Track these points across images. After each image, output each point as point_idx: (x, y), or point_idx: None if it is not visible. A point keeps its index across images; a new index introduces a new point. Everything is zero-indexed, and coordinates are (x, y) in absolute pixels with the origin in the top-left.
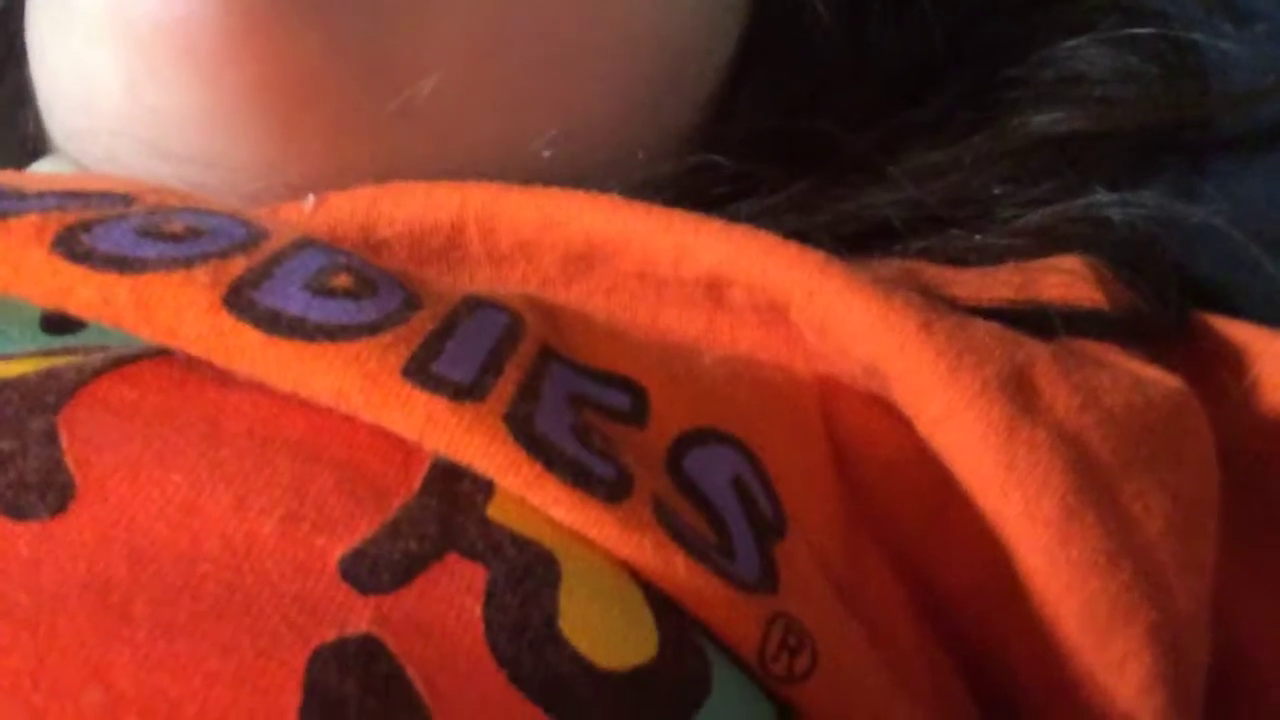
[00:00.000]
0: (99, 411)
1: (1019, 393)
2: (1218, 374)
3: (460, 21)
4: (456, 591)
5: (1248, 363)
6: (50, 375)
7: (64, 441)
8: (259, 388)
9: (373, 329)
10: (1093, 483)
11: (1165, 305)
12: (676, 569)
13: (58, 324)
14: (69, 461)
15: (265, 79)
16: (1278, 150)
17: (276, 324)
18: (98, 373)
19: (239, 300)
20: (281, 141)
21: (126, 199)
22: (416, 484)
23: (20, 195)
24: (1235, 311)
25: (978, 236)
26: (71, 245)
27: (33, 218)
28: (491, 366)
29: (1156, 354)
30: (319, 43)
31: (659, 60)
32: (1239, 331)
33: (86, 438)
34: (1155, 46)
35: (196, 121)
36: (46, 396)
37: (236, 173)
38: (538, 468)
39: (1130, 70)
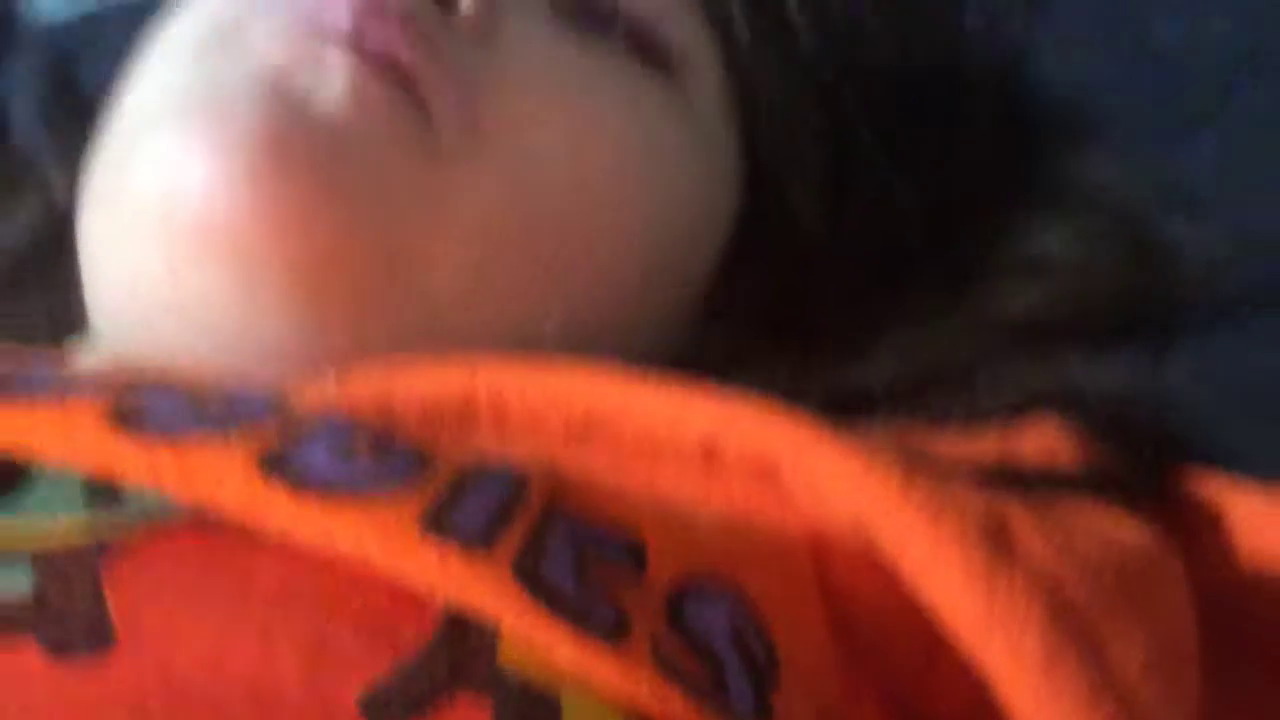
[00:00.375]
0: (140, 569)
1: (997, 541)
2: (1193, 527)
3: (469, 216)
4: None
5: (1223, 517)
6: (95, 541)
7: (107, 593)
8: (285, 545)
9: (391, 487)
10: (1072, 624)
11: (1142, 464)
12: (674, 708)
13: (99, 496)
14: (111, 611)
15: (293, 263)
16: (1236, 321)
17: (304, 485)
18: (140, 537)
19: (271, 466)
20: (307, 318)
21: (170, 380)
22: (429, 628)
23: (76, 379)
24: (1209, 468)
25: (958, 406)
26: (122, 421)
27: (87, 398)
28: (500, 519)
29: (1133, 510)
30: (341, 230)
31: (654, 252)
32: (1214, 487)
33: (127, 591)
34: (1118, 231)
35: (231, 301)
36: (91, 556)
37: (265, 349)
38: (543, 612)
39: (1094, 255)
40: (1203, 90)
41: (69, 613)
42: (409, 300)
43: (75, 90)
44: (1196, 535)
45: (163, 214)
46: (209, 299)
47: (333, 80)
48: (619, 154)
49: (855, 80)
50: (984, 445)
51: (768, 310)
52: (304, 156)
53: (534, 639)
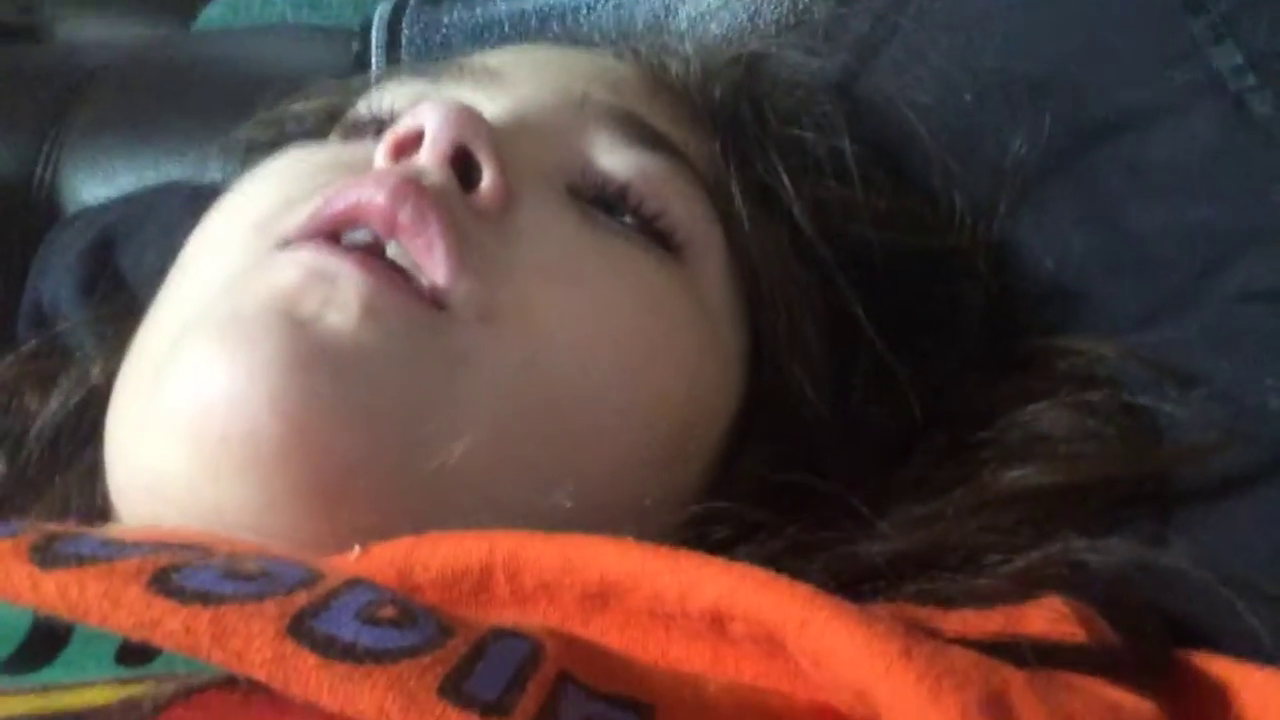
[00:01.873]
0: None
1: (997, 714)
2: (1202, 708)
3: (484, 402)
4: None
5: (1230, 697)
6: (130, 704)
7: None
8: (309, 711)
9: (413, 652)
10: None
11: (1145, 641)
12: None
13: (131, 657)
14: None
15: (315, 477)
16: (1231, 499)
17: (330, 649)
18: (171, 700)
19: (300, 628)
20: (328, 522)
21: (207, 549)
22: None
23: (122, 544)
24: (1210, 647)
25: (962, 580)
26: (165, 583)
27: (134, 561)
28: (515, 686)
29: (1138, 689)
30: (364, 443)
31: (662, 430)
32: (1219, 667)
33: None
34: (1109, 410)
35: (251, 511)
36: (129, 718)
37: (289, 543)
38: None
39: (1089, 430)
40: (1184, 271)
41: None
42: (425, 473)
43: (115, 272)
44: (1203, 717)
45: (190, 425)
46: (229, 507)
47: (344, 298)
48: (629, 335)
49: (850, 260)
50: (988, 622)
51: (772, 486)
52: (322, 377)
53: None
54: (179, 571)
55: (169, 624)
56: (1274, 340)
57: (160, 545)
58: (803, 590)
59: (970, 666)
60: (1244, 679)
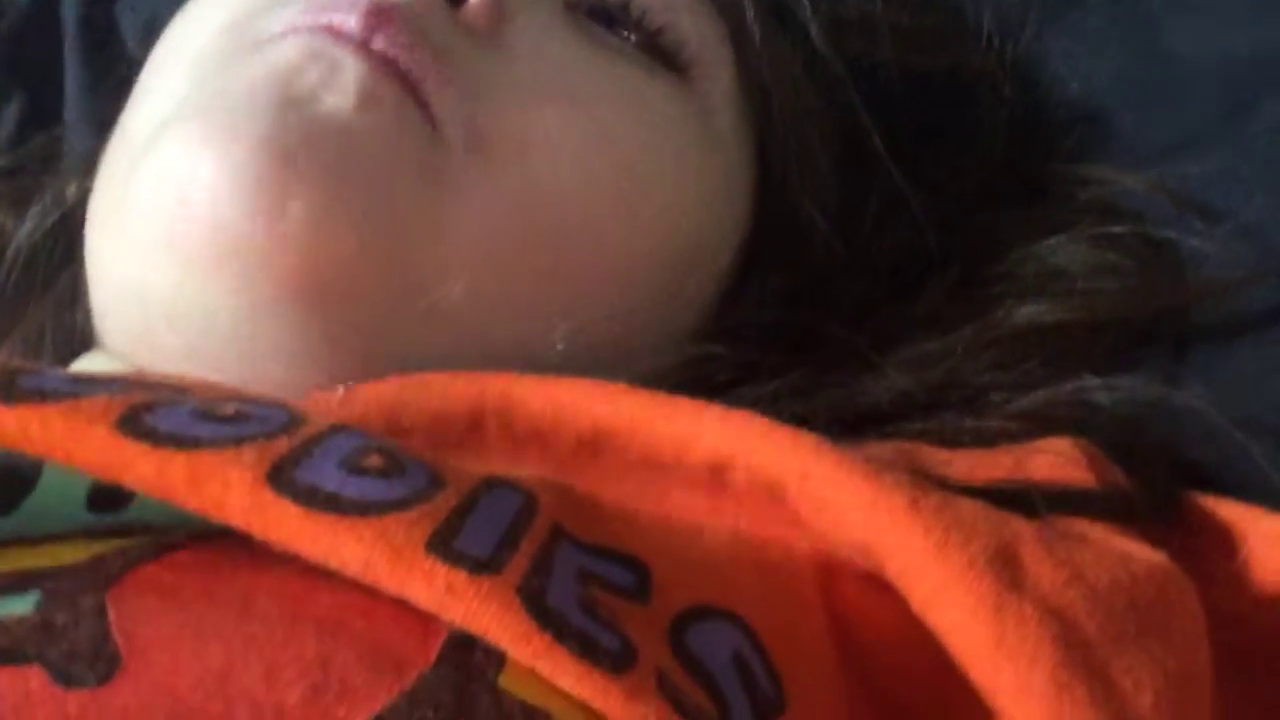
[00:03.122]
0: (143, 592)
1: (1005, 569)
2: (1209, 553)
3: (476, 226)
4: None
5: (1238, 542)
6: (100, 561)
7: (112, 617)
8: (289, 569)
9: (400, 505)
10: (1081, 656)
11: (1154, 485)
12: None
13: (104, 501)
14: (116, 635)
15: (300, 279)
16: (1251, 339)
17: (313, 499)
18: (142, 558)
19: (280, 477)
20: (314, 333)
21: (182, 389)
22: (433, 654)
23: (90, 381)
24: (1222, 491)
25: (969, 420)
26: (135, 424)
27: (102, 398)
28: (507, 542)
29: (1146, 533)
30: (350, 247)
31: (665, 262)
32: (1228, 512)
33: (131, 614)
34: (1131, 244)
35: (238, 312)
36: (96, 579)
37: (272, 360)
38: (547, 638)
39: (1109, 265)
40: (1218, 101)
41: (74, 638)
42: (415, 310)
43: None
44: (1209, 560)
45: (171, 224)
46: (215, 309)
47: (343, 81)
48: (630, 164)
49: (866, 82)
50: (995, 465)
51: (777, 323)
52: (312, 166)
53: (538, 667)
54: (151, 412)
55: (140, 467)
56: None
57: (131, 384)
58: (807, 439)
59: (978, 519)
60: (1253, 524)
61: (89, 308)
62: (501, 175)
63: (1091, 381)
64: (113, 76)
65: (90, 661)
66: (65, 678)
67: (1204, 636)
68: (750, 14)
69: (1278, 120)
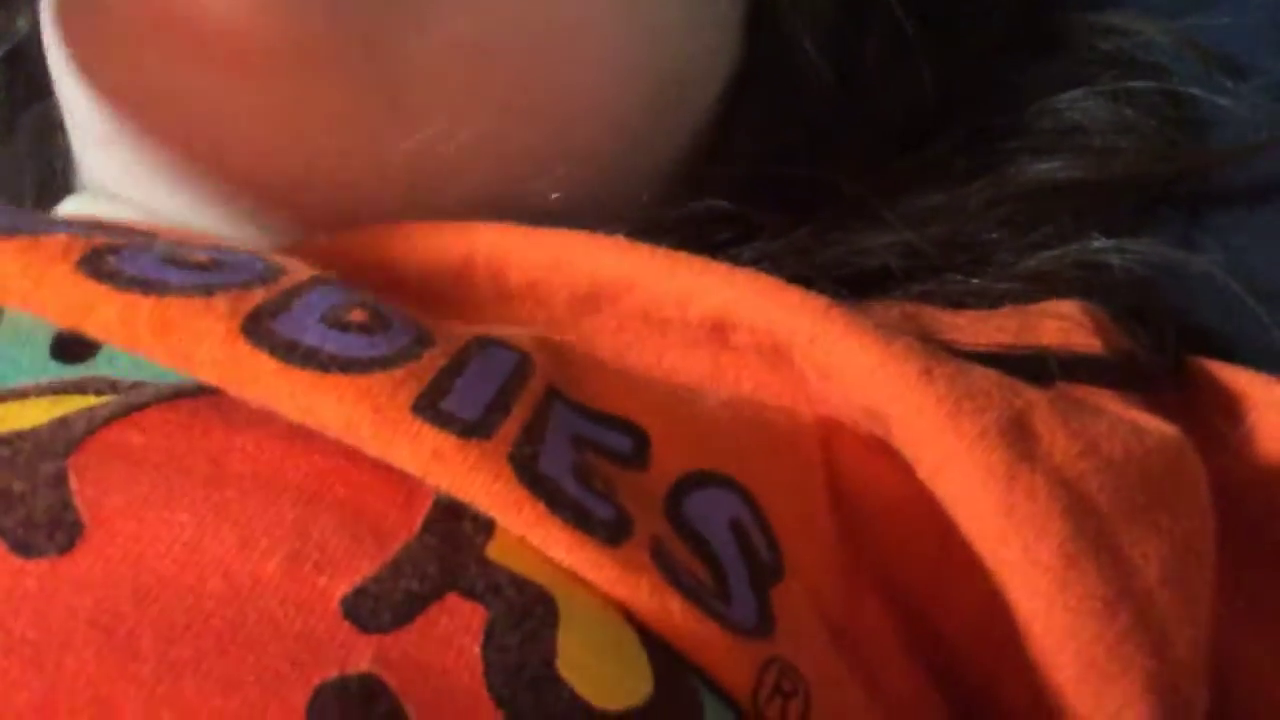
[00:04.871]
0: (108, 456)
1: (1018, 439)
2: (1214, 421)
3: (452, 22)
4: (456, 631)
5: (1244, 410)
6: (61, 424)
7: (73, 483)
8: (264, 430)
9: (385, 363)
10: (1091, 529)
11: (1163, 351)
12: (672, 613)
13: (68, 350)
14: (77, 502)
15: (275, 51)
16: (1273, 204)
17: (291, 353)
18: (107, 420)
19: (256, 329)
20: (293, 115)
21: (151, 234)
22: (418, 523)
23: (50, 221)
24: (1231, 360)
25: (975, 280)
26: (97, 265)
27: (62, 237)
28: (498, 405)
29: (1153, 400)
30: (321, 16)
31: (651, 89)
32: (1236, 378)
33: (95, 480)
34: (1153, 100)
35: (216, 102)
36: (57, 444)
37: (255, 143)
38: (540, 508)
39: (1128, 122)
40: None
41: (33, 505)
42: (407, 159)
43: None
44: (1216, 427)
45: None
46: (192, 102)
47: None
48: None
49: None
50: (1002, 328)
51: (777, 176)
52: None
53: (529, 537)
54: (115, 253)
55: (102, 312)
56: None
57: (94, 226)
58: (816, 301)
59: (992, 387)
60: (1262, 391)
61: (66, 145)
62: None
63: (1103, 243)
64: None
65: (50, 530)
66: (24, 547)
67: (1210, 509)
68: None
69: None
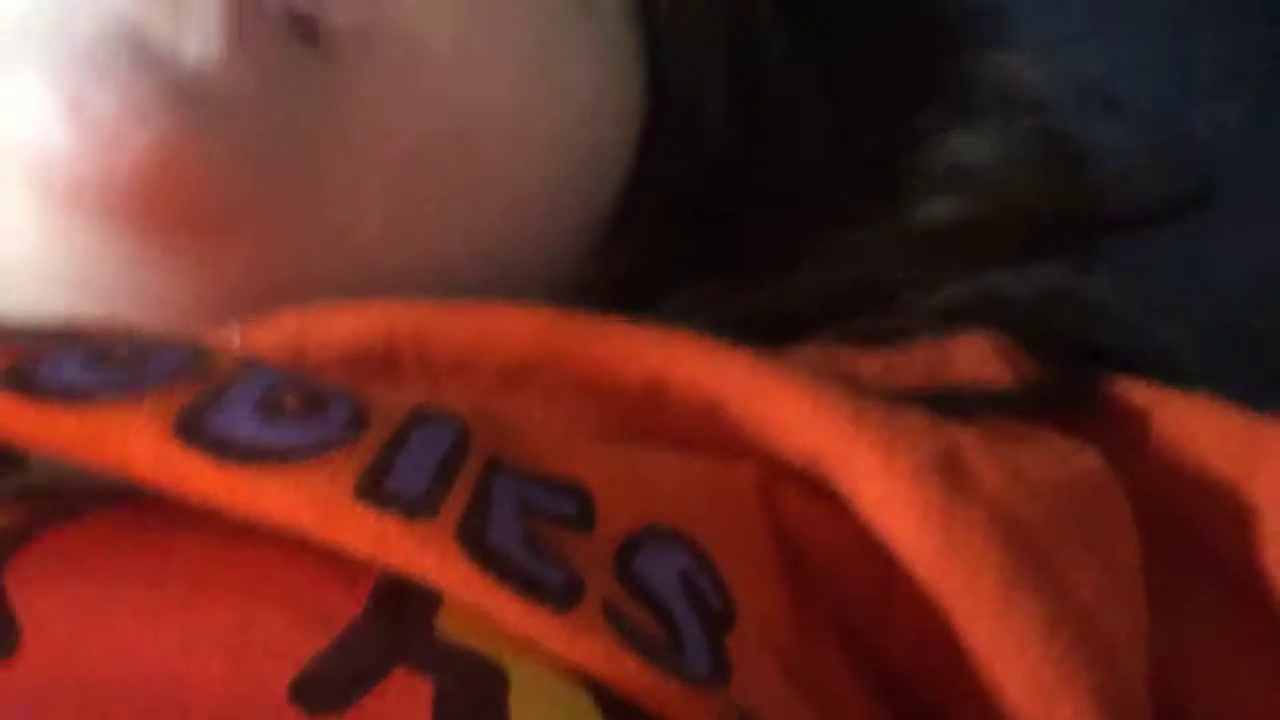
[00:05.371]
0: (46, 561)
1: (951, 474)
2: (1123, 436)
3: (366, 128)
4: (405, 706)
5: (1149, 422)
6: None
7: (10, 589)
8: (204, 525)
9: (324, 448)
10: (1028, 555)
11: (1069, 375)
12: (629, 673)
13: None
14: (15, 607)
15: (192, 217)
16: (1154, 229)
17: (227, 450)
18: (46, 524)
19: (189, 428)
20: (209, 271)
21: (71, 333)
22: (362, 600)
23: None
24: (1133, 376)
25: (886, 320)
26: (18, 379)
27: None
28: (441, 480)
29: (1066, 423)
30: (250, 178)
31: (562, 161)
32: (1139, 393)
33: (33, 586)
34: (1035, 136)
35: (118, 260)
36: None
37: (163, 304)
38: (490, 579)
39: (1014, 159)
40: None
41: None
42: (322, 248)
43: None
44: (1125, 445)
45: (32, 171)
46: (91, 259)
47: (203, 19)
48: (518, 49)
49: None
50: (915, 365)
51: (683, 228)
52: (191, 107)
53: (480, 608)
54: (36, 363)
55: (27, 424)
56: (1205, 64)
57: (12, 333)
58: (743, 354)
59: (921, 426)
60: (1165, 405)
61: None
62: (388, 62)
63: (1001, 275)
64: None
65: None
66: None
67: (1133, 527)
68: None
69: (1165, 7)
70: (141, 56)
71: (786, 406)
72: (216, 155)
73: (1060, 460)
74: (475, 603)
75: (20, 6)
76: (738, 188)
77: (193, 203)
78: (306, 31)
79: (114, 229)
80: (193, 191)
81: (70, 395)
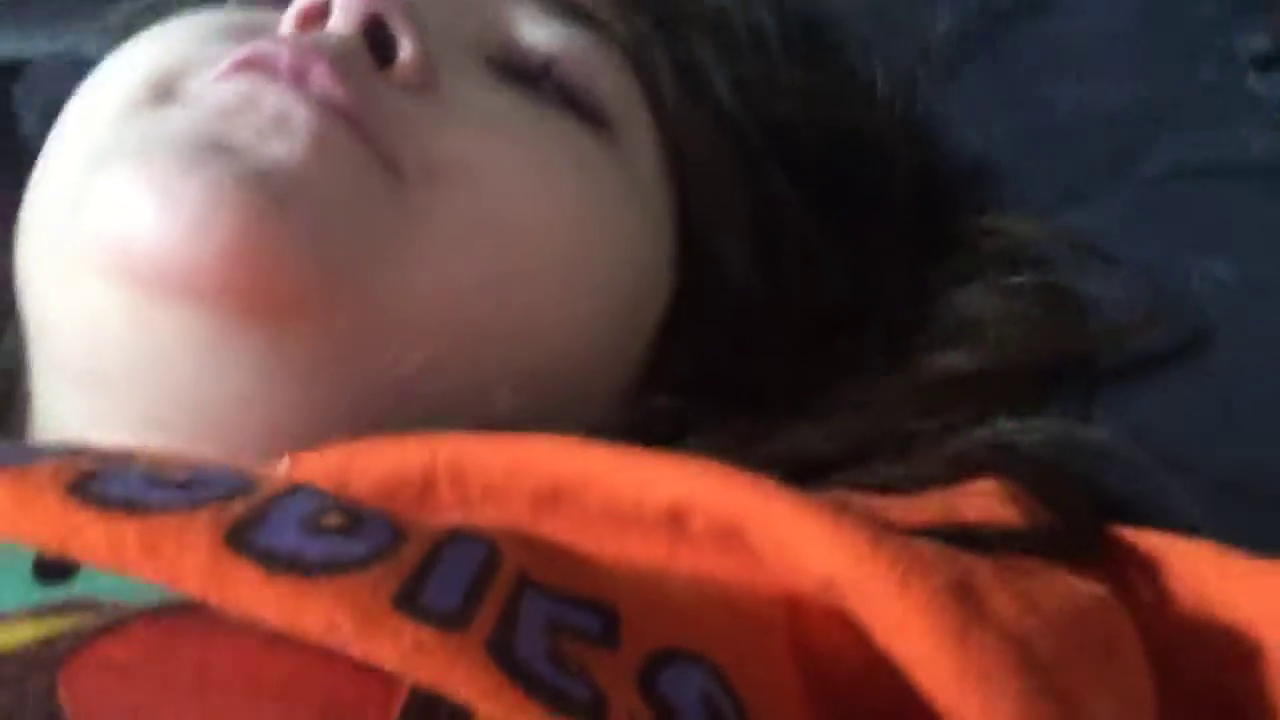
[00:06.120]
0: (95, 670)
1: (967, 601)
2: (1132, 580)
3: (435, 257)
4: None
5: (1157, 567)
6: (47, 643)
7: (63, 697)
8: (244, 633)
9: (363, 563)
10: (1044, 681)
11: (1078, 520)
12: None
13: (51, 571)
14: (67, 715)
15: (264, 296)
16: (1155, 376)
17: (274, 561)
18: (93, 636)
19: (239, 539)
20: (272, 362)
21: (129, 455)
22: (396, 712)
23: (36, 449)
24: (1137, 521)
25: (899, 468)
26: (84, 490)
27: (48, 465)
28: (474, 595)
29: (1075, 567)
30: (318, 266)
31: (605, 305)
32: (1145, 539)
33: (84, 695)
34: (1036, 291)
35: (198, 343)
36: (45, 660)
37: (226, 412)
38: (519, 693)
39: (1017, 313)
40: (1104, 151)
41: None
42: (366, 337)
43: (14, 133)
44: (1133, 589)
45: (119, 260)
46: (172, 343)
47: (291, 126)
48: (574, 199)
49: (777, 141)
50: (927, 509)
51: (709, 375)
52: (265, 200)
53: None
54: (98, 478)
55: (89, 534)
56: (1193, 218)
57: (77, 451)
58: (765, 483)
59: (936, 555)
60: (1170, 550)
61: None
62: (460, 200)
63: (1008, 424)
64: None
65: None
66: None
67: (1144, 663)
68: (664, 74)
69: (1161, 166)
70: (227, 154)
71: (805, 531)
72: (290, 243)
73: (1073, 595)
74: (504, 716)
75: (111, 127)
76: (757, 339)
77: (267, 283)
78: (389, 162)
79: (195, 311)
80: (268, 272)
81: (131, 508)
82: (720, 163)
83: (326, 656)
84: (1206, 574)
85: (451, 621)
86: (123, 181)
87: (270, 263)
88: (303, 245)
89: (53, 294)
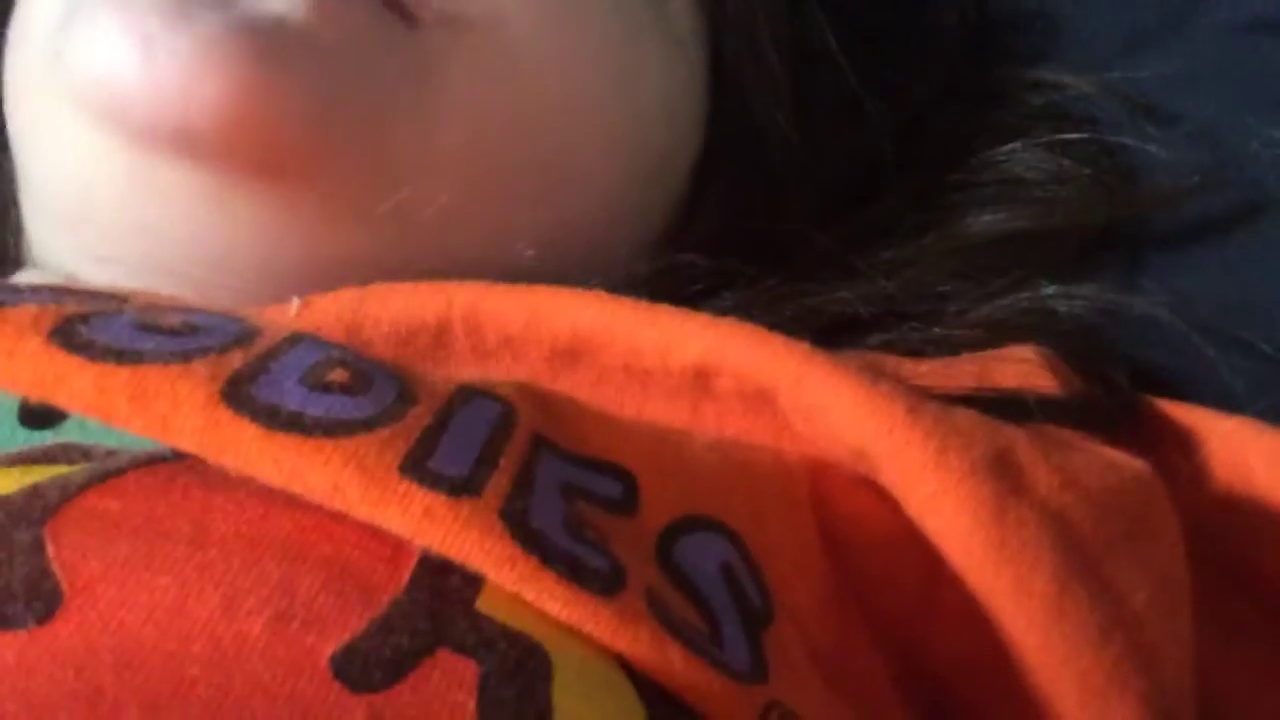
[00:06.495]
0: (85, 522)
1: (1005, 474)
2: (1169, 455)
3: (452, 111)
4: (449, 687)
5: (1196, 443)
6: (35, 493)
7: (50, 551)
8: (244, 489)
9: (369, 425)
10: (1080, 559)
11: (1115, 390)
12: (672, 661)
13: (36, 417)
14: (55, 569)
15: (265, 155)
16: (1206, 244)
17: (274, 419)
18: (82, 487)
19: (236, 394)
20: (279, 222)
21: (120, 298)
22: (405, 579)
23: (16, 289)
24: (1179, 395)
25: (934, 330)
26: (69, 335)
27: (30, 308)
28: (486, 459)
29: (1111, 438)
30: (324, 125)
31: (634, 156)
32: (1185, 414)
33: (73, 546)
34: (1086, 150)
35: (196, 198)
36: (32, 512)
37: (228, 262)
38: (533, 563)
39: (1064, 172)
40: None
41: (9, 575)
42: (385, 219)
43: None
44: (1170, 463)
45: (115, 111)
46: (170, 196)
47: None
48: (606, 49)
49: None
50: (962, 374)
51: (741, 231)
52: (271, 55)
53: (524, 592)
54: (86, 322)
55: (75, 383)
56: (1261, 76)
57: (63, 292)
58: (798, 346)
59: (975, 425)
60: (1212, 427)
61: (18, 220)
62: (482, 52)
63: (1049, 289)
64: None
65: (27, 600)
66: (1, 619)
67: (1180, 539)
68: None
69: (1223, 19)
70: (223, 6)
71: (839, 399)
72: (291, 98)
73: (1111, 468)
74: (517, 585)
75: None
76: (792, 195)
77: (268, 142)
78: (403, 10)
79: (191, 167)
80: (268, 131)
81: (120, 357)
82: (758, 9)
83: (332, 517)
84: (1247, 452)
85: (462, 487)
86: (101, 33)
87: (271, 120)
88: (307, 100)
89: (42, 144)
